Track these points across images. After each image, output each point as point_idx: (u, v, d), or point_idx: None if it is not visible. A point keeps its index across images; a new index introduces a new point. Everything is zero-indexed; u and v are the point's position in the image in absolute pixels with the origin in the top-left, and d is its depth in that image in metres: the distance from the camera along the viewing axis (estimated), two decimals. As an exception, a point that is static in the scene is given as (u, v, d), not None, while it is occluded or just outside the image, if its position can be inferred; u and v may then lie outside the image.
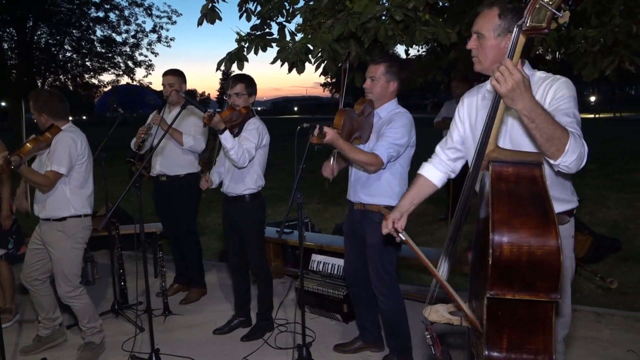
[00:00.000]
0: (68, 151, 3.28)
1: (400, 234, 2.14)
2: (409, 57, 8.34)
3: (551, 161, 1.76)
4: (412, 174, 3.19)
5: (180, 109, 3.27)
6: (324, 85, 62.46)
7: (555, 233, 1.56)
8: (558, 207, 2.02)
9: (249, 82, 3.56)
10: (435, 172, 2.37)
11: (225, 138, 3.24)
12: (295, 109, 75.54)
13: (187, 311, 4.24)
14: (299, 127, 2.96)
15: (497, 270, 1.59)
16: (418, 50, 8.58)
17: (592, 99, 42.11)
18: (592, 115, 33.04)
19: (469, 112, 2.27)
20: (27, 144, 3.20)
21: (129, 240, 5.34)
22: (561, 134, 1.69)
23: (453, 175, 2.38)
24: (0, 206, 3.93)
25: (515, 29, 1.67)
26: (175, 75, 4.25)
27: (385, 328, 3.24)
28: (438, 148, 2.40)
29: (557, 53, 5.59)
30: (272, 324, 3.79)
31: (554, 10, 1.55)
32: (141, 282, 4.22)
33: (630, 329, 3.63)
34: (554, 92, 1.95)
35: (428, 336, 2.04)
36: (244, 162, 3.36)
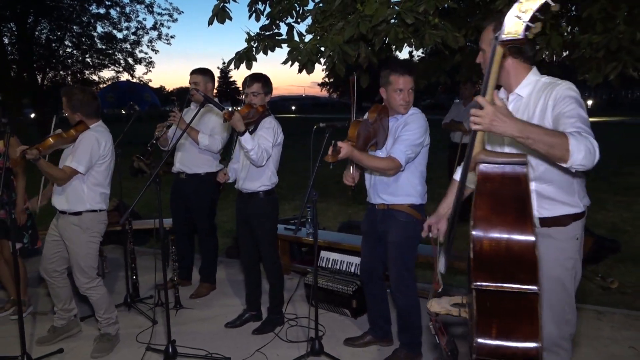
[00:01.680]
0: (90, 150, 3.36)
1: (433, 240, 2.23)
2: (413, 58, 8.45)
3: (563, 165, 1.82)
4: (427, 171, 3.29)
5: (199, 108, 3.36)
6: (322, 84, 62.47)
7: (531, 229, 1.68)
8: (560, 210, 2.18)
9: (265, 82, 3.64)
10: (471, 174, 2.41)
11: (246, 139, 3.33)
12: (293, 108, 75.43)
13: (198, 305, 4.32)
14: (315, 127, 3.05)
15: (478, 264, 1.72)
16: (423, 52, 8.67)
17: (590, 102, 42.35)
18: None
19: None
20: (50, 139, 3.26)
21: (139, 235, 5.43)
22: (559, 139, 1.77)
23: None
24: (15, 201, 3.99)
25: (492, 40, 1.77)
26: (200, 74, 4.29)
27: (398, 323, 3.34)
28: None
29: (555, 57, 5.70)
30: (283, 318, 3.88)
31: (528, 23, 1.64)
32: (153, 277, 4.33)
33: (630, 327, 3.74)
34: (554, 98, 2.03)
35: (431, 326, 2.17)
36: (263, 161, 3.45)
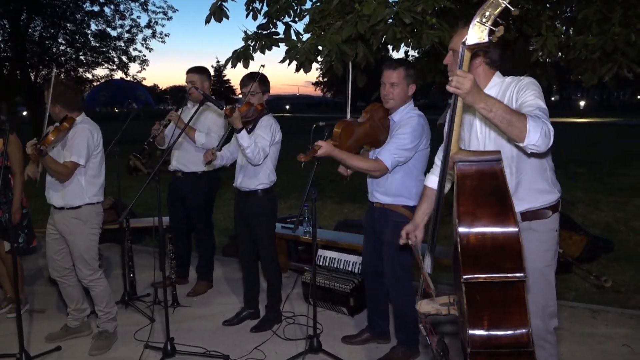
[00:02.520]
0: (86, 142, 3.37)
1: (413, 246, 2.33)
2: (408, 58, 8.47)
3: (520, 144, 1.94)
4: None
5: (198, 106, 3.37)
6: (316, 84, 62.42)
7: (514, 219, 1.78)
8: (539, 200, 2.29)
9: (262, 81, 3.65)
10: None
11: (242, 137, 3.34)
12: (287, 107, 75.43)
13: (195, 303, 4.33)
14: (314, 125, 3.07)
15: (466, 257, 1.78)
16: (418, 52, 8.70)
17: (582, 103, 42.58)
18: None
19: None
20: (50, 136, 3.25)
21: (135, 233, 5.42)
22: (518, 117, 1.90)
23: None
24: (11, 200, 3.98)
25: (460, 46, 1.88)
26: (196, 73, 4.29)
27: (395, 321, 3.36)
28: (436, 159, 2.59)
29: (550, 58, 5.75)
30: (280, 316, 3.89)
31: (491, 27, 1.76)
32: (150, 274, 4.34)
33: (624, 325, 3.78)
34: (518, 91, 2.18)
35: (422, 327, 2.22)
36: (259, 159, 3.46)
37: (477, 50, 1.92)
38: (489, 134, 2.29)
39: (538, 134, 1.89)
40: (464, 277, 1.78)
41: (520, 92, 2.16)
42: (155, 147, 4.41)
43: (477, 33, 1.78)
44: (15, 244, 3.92)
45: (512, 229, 1.76)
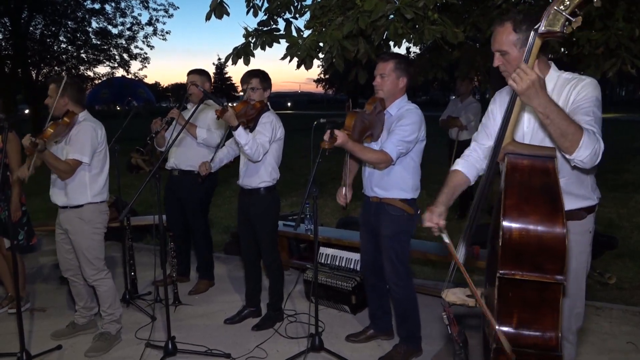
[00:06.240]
0: (90, 140, 3.36)
1: (443, 234, 2.16)
2: (410, 54, 8.44)
3: (567, 156, 1.86)
4: (423, 167, 3.29)
5: (199, 103, 3.35)
6: (317, 81, 62.28)
7: (562, 221, 1.70)
8: (575, 203, 2.18)
9: (263, 77, 3.63)
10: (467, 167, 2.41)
11: (239, 134, 3.32)
12: (289, 104, 75.39)
13: (197, 302, 4.32)
14: (315, 123, 3.04)
15: (507, 252, 1.73)
16: (420, 49, 8.66)
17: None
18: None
19: (500, 109, 2.36)
20: (49, 129, 3.22)
21: (136, 231, 5.40)
22: (575, 130, 1.80)
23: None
24: (10, 197, 3.96)
25: (531, 33, 1.79)
26: (197, 74, 4.31)
27: (396, 317, 3.34)
28: (467, 150, 2.48)
29: (553, 54, 5.71)
30: (282, 314, 3.87)
31: (568, 16, 1.68)
32: (151, 273, 4.32)
33: (628, 322, 3.76)
34: (577, 92, 2.06)
35: (445, 316, 2.16)
36: (259, 156, 3.44)
37: (547, 39, 1.82)
38: (537, 131, 2.18)
39: (588, 152, 1.81)
40: (501, 272, 1.73)
41: (579, 94, 2.04)
42: (155, 148, 4.40)
43: (553, 20, 1.70)
44: (15, 241, 3.93)
45: (560, 231, 1.70)
